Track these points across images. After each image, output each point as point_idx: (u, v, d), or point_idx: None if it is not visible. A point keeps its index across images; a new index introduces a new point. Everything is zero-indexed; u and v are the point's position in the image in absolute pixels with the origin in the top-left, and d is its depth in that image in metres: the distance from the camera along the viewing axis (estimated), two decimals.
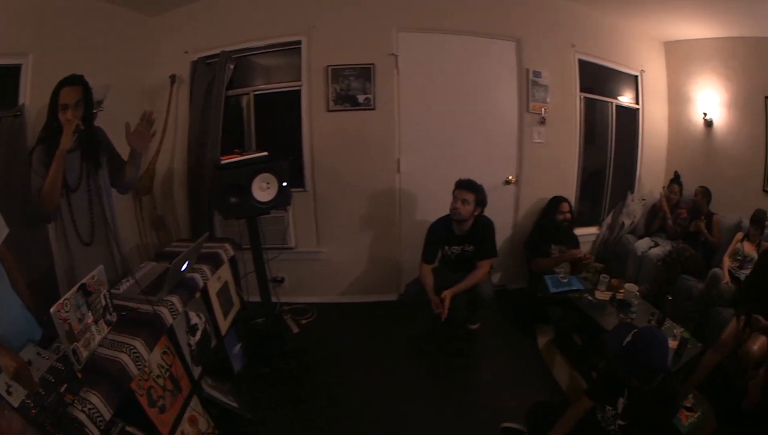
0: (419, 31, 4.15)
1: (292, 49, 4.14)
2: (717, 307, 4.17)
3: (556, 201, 4.55)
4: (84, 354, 1.75)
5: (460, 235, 3.76)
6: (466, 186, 3.67)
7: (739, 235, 4.62)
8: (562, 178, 4.88)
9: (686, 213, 5.08)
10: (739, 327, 3.49)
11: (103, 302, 1.94)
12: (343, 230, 4.31)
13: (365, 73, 4.07)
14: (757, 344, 3.33)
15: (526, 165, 4.65)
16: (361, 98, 4.09)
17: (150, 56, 4.09)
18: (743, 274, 4.27)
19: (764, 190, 4.89)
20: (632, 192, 5.44)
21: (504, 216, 4.67)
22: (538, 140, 4.64)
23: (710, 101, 5.23)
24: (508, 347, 4.02)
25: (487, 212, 3.90)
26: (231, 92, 4.14)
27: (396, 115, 4.17)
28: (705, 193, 4.97)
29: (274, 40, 4.11)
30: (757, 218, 4.42)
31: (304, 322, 4.02)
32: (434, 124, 4.33)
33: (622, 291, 3.99)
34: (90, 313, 1.83)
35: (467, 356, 3.86)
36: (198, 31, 4.03)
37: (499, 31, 4.32)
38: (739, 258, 4.46)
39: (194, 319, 2.57)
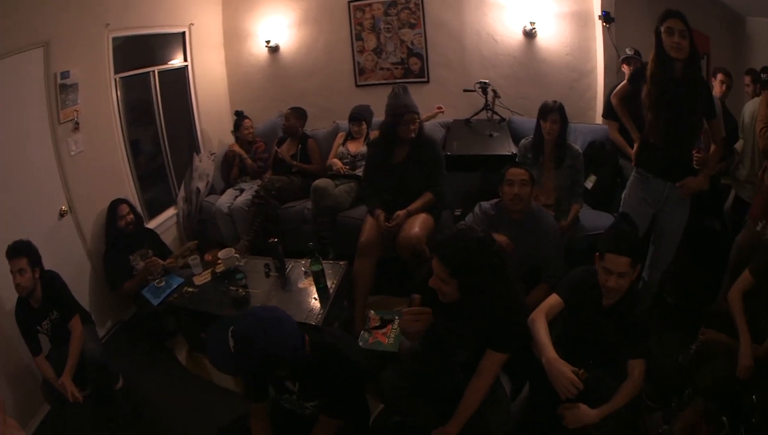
0: None
1: None
2: (341, 214, 4.27)
3: (113, 207, 4.09)
4: None
5: (38, 306, 3.32)
6: (11, 255, 3.21)
7: (340, 138, 4.71)
8: (116, 178, 4.47)
9: (264, 145, 5.09)
10: (381, 222, 3.55)
11: None
12: None
13: None
14: (412, 232, 3.43)
15: (73, 185, 4.04)
16: None
17: None
18: (358, 171, 4.35)
19: (357, 86, 5.52)
20: (198, 152, 5.29)
21: (75, 252, 4.11)
22: (77, 150, 4.07)
23: (275, 27, 5.52)
24: (161, 381, 3.66)
25: (55, 257, 3.53)
26: None
27: None
28: (297, 114, 4.96)
29: None
30: (356, 115, 4.57)
31: None
32: None
33: (219, 263, 3.71)
34: None
35: (134, 415, 3.44)
36: None
37: (24, 42, 3.67)
38: (348, 159, 4.52)
39: None
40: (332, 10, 5.31)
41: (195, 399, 3.40)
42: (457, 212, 4.04)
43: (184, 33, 5.21)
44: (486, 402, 2.24)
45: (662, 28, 2.74)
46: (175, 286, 3.74)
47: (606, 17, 4.64)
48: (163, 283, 3.79)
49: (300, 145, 4.83)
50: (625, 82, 3.26)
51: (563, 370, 2.15)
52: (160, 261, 3.92)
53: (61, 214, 3.92)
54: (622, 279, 2.22)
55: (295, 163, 4.75)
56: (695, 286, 3.77)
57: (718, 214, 4.01)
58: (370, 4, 5.14)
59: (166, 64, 5.05)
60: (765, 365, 2.44)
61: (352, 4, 5.19)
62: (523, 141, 3.86)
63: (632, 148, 3.39)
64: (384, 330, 3.17)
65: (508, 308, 2.17)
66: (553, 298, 2.47)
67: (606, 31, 4.70)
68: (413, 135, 3.55)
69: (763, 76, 3.78)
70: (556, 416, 2.26)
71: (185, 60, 5.27)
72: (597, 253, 2.31)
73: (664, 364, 2.94)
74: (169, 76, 5.09)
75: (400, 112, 3.52)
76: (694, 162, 3.22)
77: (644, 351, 2.30)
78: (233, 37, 5.75)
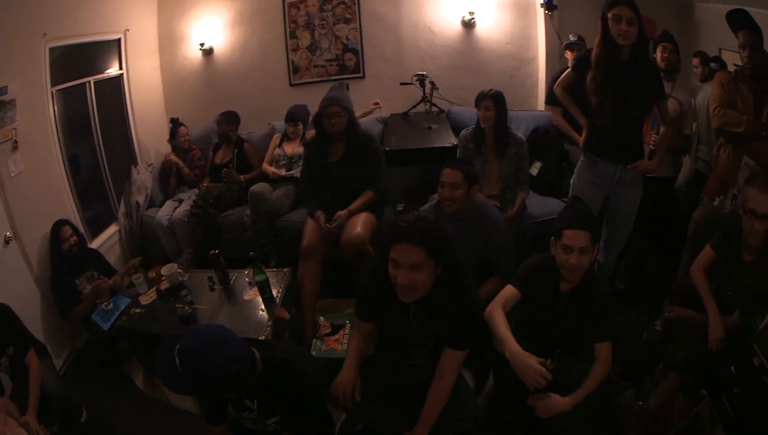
0: None
1: None
2: (281, 218, 4.25)
3: (55, 229, 3.90)
4: None
5: None
6: None
7: (276, 139, 4.69)
8: (57, 198, 4.26)
9: (200, 151, 5.01)
10: (321, 224, 3.56)
11: None
12: None
13: None
14: (355, 233, 3.45)
15: (15, 208, 3.81)
16: None
17: None
18: (295, 172, 4.36)
19: (291, 85, 5.52)
20: (136, 164, 5.12)
21: (23, 281, 3.87)
22: (17, 171, 3.84)
23: (208, 29, 5.42)
24: (123, 408, 3.51)
25: (3, 288, 3.37)
26: None
27: None
28: (228, 118, 4.87)
29: None
30: (292, 116, 4.57)
31: None
32: None
33: (163, 280, 3.61)
34: None
35: None
36: None
37: None
38: (285, 161, 4.52)
39: None
40: (266, 9, 5.28)
41: (159, 424, 3.34)
42: (399, 207, 4.08)
43: (119, 40, 5.03)
44: (451, 400, 2.23)
45: (609, 15, 2.79)
46: (122, 308, 3.61)
47: (548, 5, 4.78)
48: (111, 306, 3.64)
49: (236, 150, 4.81)
50: (568, 70, 3.32)
51: (529, 363, 2.16)
52: (106, 281, 3.81)
53: (6, 241, 3.70)
54: (583, 256, 2.25)
55: (241, 178, 4.63)
56: (650, 266, 3.94)
57: (671, 192, 4.17)
58: (305, 1, 5.15)
59: (101, 73, 4.86)
60: (737, 335, 2.52)
61: (287, 1, 5.17)
62: (463, 132, 3.88)
63: (578, 132, 3.53)
64: (336, 336, 3.13)
65: (464, 303, 2.15)
66: (509, 290, 2.47)
67: (548, 19, 4.84)
68: (336, 128, 3.51)
69: (712, 65, 3.92)
70: (526, 407, 2.27)
71: (120, 68, 5.10)
72: (552, 237, 2.35)
73: (630, 343, 3.02)
74: (105, 87, 4.93)
75: (322, 104, 3.52)
76: (652, 143, 3.41)
77: (609, 333, 2.34)
78: (168, 41, 5.59)
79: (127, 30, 5.03)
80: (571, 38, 4.32)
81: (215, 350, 1.74)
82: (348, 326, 3.16)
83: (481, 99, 3.66)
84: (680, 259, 3.51)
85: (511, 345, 2.24)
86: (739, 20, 3.10)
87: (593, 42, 2.94)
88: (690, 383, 2.60)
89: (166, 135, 5.19)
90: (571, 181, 3.36)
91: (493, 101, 3.61)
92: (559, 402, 2.22)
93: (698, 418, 2.44)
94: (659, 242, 4.06)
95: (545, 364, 2.14)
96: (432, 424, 2.19)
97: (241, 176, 4.64)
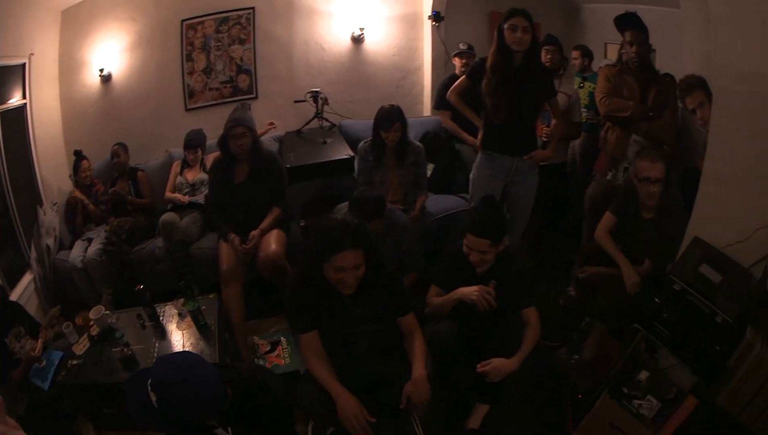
0: None
1: None
2: (192, 246, 4.21)
3: None
4: None
5: None
6: None
7: (176, 167, 4.65)
8: None
9: (103, 186, 4.75)
10: (237, 246, 3.61)
11: None
12: None
13: None
14: (271, 250, 3.58)
15: None
16: None
17: None
18: (198, 199, 4.43)
19: (187, 110, 5.24)
20: (41, 205, 4.69)
21: None
22: None
23: (108, 53, 5.09)
24: None
25: None
26: None
27: None
28: (125, 148, 4.81)
29: None
30: (191, 142, 4.57)
31: None
32: None
33: (92, 325, 3.42)
34: None
35: None
36: None
37: None
38: (187, 189, 4.53)
39: None
40: (165, 31, 5.05)
41: None
42: (302, 223, 4.19)
43: (24, 65, 4.51)
44: (402, 380, 2.38)
45: (506, 25, 3.11)
46: (57, 362, 3.32)
47: (436, 17, 5.06)
48: (44, 363, 3.32)
49: (129, 181, 4.69)
50: (463, 77, 3.61)
51: (474, 288, 2.55)
52: (38, 343, 3.42)
53: None
54: (484, 254, 2.58)
55: (129, 198, 4.60)
56: (549, 243, 4.50)
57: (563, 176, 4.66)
58: (202, 22, 5.06)
59: (4, 103, 4.32)
60: (648, 280, 2.99)
61: (185, 22, 5.05)
62: (362, 144, 4.04)
63: (467, 133, 4.10)
64: (276, 352, 3.27)
65: (389, 277, 2.47)
66: (434, 290, 2.81)
67: (435, 30, 5.14)
68: (243, 149, 3.60)
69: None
70: (472, 377, 2.56)
71: (24, 97, 4.57)
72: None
73: (548, 310, 3.37)
74: (9, 118, 4.40)
75: (227, 126, 3.61)
76: (544, 135, 3.89)
77: (532, 300, 2.70)
78: (69, 67, 5.08)
79: (32, 54, 4.58)
80: (461, 47, 4.61)
81: (192, 376, 1.72)
82: (284, 341, 3.32)
83: (389, 122, 3.77)
84: (572, 234, 4.13)
85: (454, 293, 2.64)
86: (627, 23, 3.62)
87: (480, 49, 3.23)
88: (619, 327, 3.04)
89: (67, 170, 4.86)
90: (471, 176, 3.71)
91: (400, 121, 3.81)
92: (506, 364, 2.54)
93: (636, 353, 2.77)
94: (554, 221, 4.62)
95: (489, 285, 2.56)
96: (424, 367, 2.41)
97: (130, 197, 4.60)
